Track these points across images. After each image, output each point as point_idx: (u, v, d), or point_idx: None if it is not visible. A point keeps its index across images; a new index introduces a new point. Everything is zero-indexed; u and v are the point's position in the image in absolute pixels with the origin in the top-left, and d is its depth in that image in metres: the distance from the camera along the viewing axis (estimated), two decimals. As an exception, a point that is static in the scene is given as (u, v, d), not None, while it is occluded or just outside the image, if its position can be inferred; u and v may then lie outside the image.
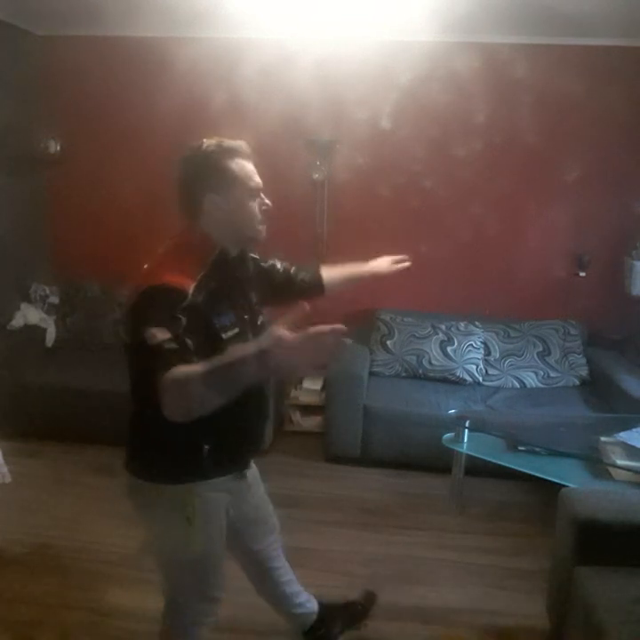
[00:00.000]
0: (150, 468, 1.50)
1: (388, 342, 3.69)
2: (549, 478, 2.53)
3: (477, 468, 2.91)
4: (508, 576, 2.49)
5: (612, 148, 3.65)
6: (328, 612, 2.08)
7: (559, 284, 3.85)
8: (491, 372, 3.65)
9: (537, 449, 2.75)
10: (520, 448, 2.78)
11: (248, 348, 1.16)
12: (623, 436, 2.67)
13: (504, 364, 3.66)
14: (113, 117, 3.86)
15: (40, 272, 4.05)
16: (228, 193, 1.44)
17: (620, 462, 2.53)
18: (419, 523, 2.85)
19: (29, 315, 3.82)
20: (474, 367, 3.60)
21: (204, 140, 1.49)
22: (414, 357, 3.62)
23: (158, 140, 3.83)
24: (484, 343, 3.68)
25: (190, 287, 1.34)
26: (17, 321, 3.76)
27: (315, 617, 2.04)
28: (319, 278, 1.86)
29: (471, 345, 3.63)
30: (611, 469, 2.57)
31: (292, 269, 1.83)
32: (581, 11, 2.92)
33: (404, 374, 3.65)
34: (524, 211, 3.82)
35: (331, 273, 1.89)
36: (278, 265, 1.81)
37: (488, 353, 3.68)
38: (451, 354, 3.60)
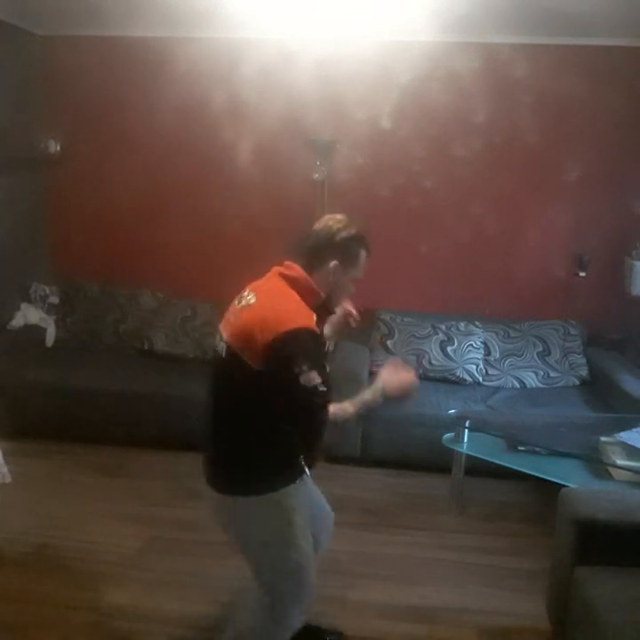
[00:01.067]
0: (257, 482, 1.67)
1: (388, 342, 3.69)
2: (549, 478, 2.52)
3: (477, 468, 2.91)
4: (508, 576, 2.49)
5: (612, 148, 3.65)
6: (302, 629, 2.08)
7: (559, 284, 3.85)
8: (491, 372, 3.65)
9: (537, 449, 2.75)
10: (520, 448, 2.78)
11: (376, 389, 1.72)
12: (623, 435, 2.67)
13: (504, 364, 3.66)
14: (113, 117, 3.86)
15: (40, 272, 4.05)
16: (346, 269, 1.72)
17: (619, 462, 2.53)
18: (419, 523, 2.85)
19: (29, 315, 3.82)
20: (474, 367, 3.60)
21: (343, 218, 1.74)
22: (414, 357, 3.62)
23: (158, 140, 3.84)
24: (484, 343, 3.68)
25: (315, 328, 1.64)
26: (17, 321, 3.77)
27: None
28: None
29: (471, 345, 3.63)
30: (611, 469, 2.57)
31: None
32: (581, 11, 2.93)
33: (403, 374, 3.64)
34: (524, 211, 3.82)
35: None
36: None
37: (488, 353, 3.68)
38: (451, 354, 3.60)
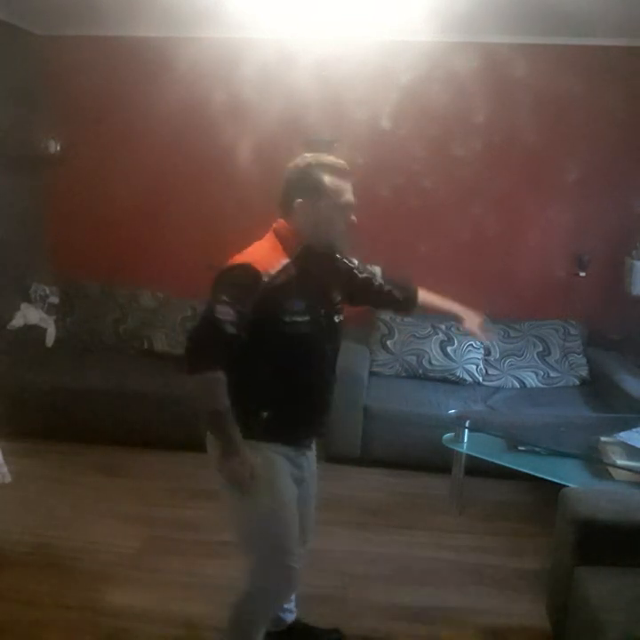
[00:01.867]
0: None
1: (388, 342, 3.69)
2: (549, 478, 2.53)
3: (477, 468, 2.91)
4: (508, 576, 2.49)
5: (611, 148, 3.65)
6: (297, 631, 2.07)
7: (559, 284, 3.85)
8: (491, 371, 3.65)
9: (537, 449, 2.75)
10: (520, 448, 2.78)
11: (239, 450, 1.57)
12: (623, 435, 2.67)
13: (504, 363, 3.66)
14: (113, 117, 3.86)
15: (40, 272, 4.05)
16: (315, 201, 1.60)
17: (620, 462, 2.53)
18: (419, 523, 2.85)
19: (29, 315, 3.82)
20: (474, 367, 3.60)
21: (310, 154, 1.65)
22: (414, 357, 3.62)
23: (158, 140, 3.84)
24: (484, 343, 3.68)
25: (270, 271, 1.54)
26: (17, 321, 3.76)
27: (285, 627, 2.04)
28: (412, 299, 1.95)
29: (471, 345, 3.63)
30: (611, 469, 2.57)
31: (386, 288, 1.93)
32: (581, 11, 2.93)
33: (404, 374, 3.65)
34: (524, 211, 3.82)
35: (426, 297, 1.96)
36: (374, 279, 1.93)
37: (488, 353, 3.68)
38: (451, 354, 3.61)
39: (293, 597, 2.03)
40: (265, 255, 1.59)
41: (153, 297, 3.99)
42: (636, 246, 3.59)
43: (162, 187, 3.92)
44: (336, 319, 1.72)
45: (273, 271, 1.55)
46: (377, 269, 1.96)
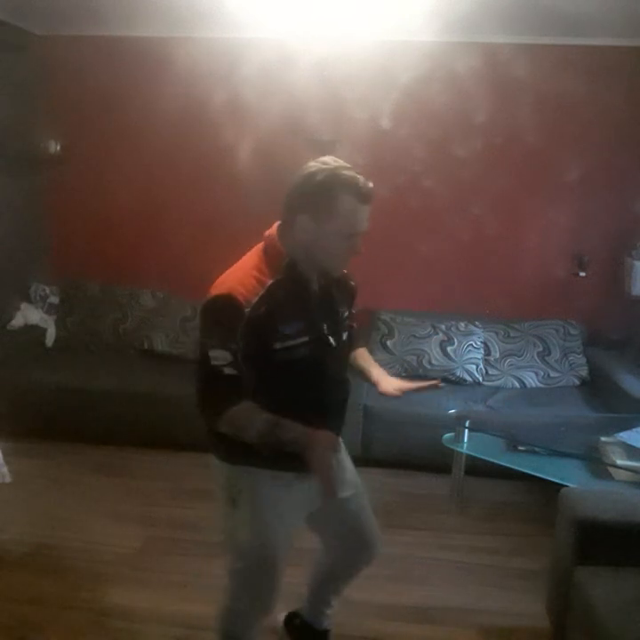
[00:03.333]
0: (218, 447, 1.57)
1: (388, 342, 3.69)
2: (549, 478, 2.52)
3: (477, 468, 2.91)
4: (508, 576, 2.49)
5: (612, 148, 3.65)
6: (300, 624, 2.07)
7: (559, 283, 3.85)
8: (491, 372, 3.65)
9: (537, 449, 2.75)
10: (520, 448, 2.78)
11: (303, 433, 1.36)
12: (623, 435, 2.67)
13: (504, 363, 3.66)
14: (113, 117, 3.86)
15: (40, 272, 4.05)
16: (321, 223, 1.40)
17: (619, 462, 2.53)
18: (419, 523, 2.85)
19: (29, 315, 3.82)
20: (474, 367, 3.60)
21: (329, 160, 1.43)
22: (414, 357, 3.62)
23: (158, 140, 3.84)
24: (484, 343, 3.68)
25: (251, 300, 1.39)
26: (17, 321, 3.76)
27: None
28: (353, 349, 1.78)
29: (471, 345, 3.63)
30: (611, 469, 2.57)
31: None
32: (581, 11, 2.92)
33: (404, 374, 3.64)
34: (524, 211, 3.82)
35: (358, 355, 1.81)
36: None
37: (488, 353, 3.68)
38: (451, 354, 3.60)
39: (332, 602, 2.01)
40: (246, 279, 1.41)
41: (153, 297, 3.99)
42: (636, 246, 3.59)
43: (162, 186, 3.92)
44: (344, 336, 1.59)
45: (255, 299, 1.39)
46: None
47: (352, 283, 1.70)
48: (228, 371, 1.38)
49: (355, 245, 1.45)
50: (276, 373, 1.46)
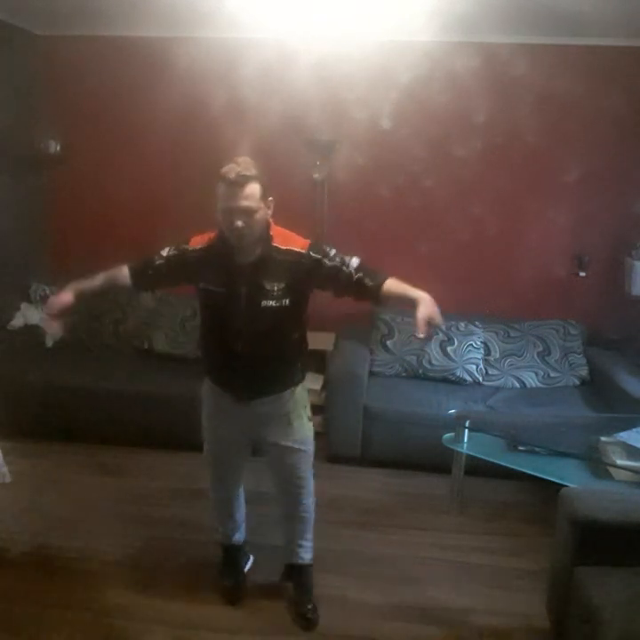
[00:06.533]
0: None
1: (388, 342, 3.69)
2: (549, 478, 2.52)
3: (477, 468, 2.91)
4: (508, 576, 2.49)
5: (612, 148, 3.65)
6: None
7: (559, 283, 3.85)
8: (491, 371, 3.65)
9: (537, 449, 2.74)
10: (520, 448, 2.78)
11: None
12: (623, 435, 2.67)
13: (504, 363, 3.66)
14: (113, 117, 3.86)
15: (40, 272, 4.04)
16: (217, 204, 1.88)
17: (619, 462, 2.53)
18: (419, 523, 2.85)
19: (29, 315, 3.82)
20: (474, 367, 3.60)
21: (238, 160, 1.87)
22: (414, 357, 3.62)
23: (158, 140, 3.84)
24: (484, 343, 3.68)
25: (195, 246, 2.03)
26: (17, 321, 3.76)
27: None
28: (377, 289, 1.94)
29: (471, 345, 3.63)
30: (611, 469, 2.57)
31: (356, 276, 1.94)
32: (581, 11, 2.93)
33: (403, 374, 3.65)
34: (524, 211, 3.82)
35: (392, 284, 1.96)
36: (345, 267, 1.95)
37: (488, 353, 3.68)
38: (451, 354, 3.60)
39: (241, 520, 2.41)
40: (204, 236, 2.04)
41: (153, 297, 3.99)
42: (636, 246, 3.59)
43: (162, 186, 3.92)
44: (263, 303, 1.90)
45: (198, 246, 2.01)
46: (354, 260, 1.94)
47: (312, 254, 1.95)
48: (157, 260, 2.07)
49: (231, 221, 1.84)
50: (201, 305, 2.05)
